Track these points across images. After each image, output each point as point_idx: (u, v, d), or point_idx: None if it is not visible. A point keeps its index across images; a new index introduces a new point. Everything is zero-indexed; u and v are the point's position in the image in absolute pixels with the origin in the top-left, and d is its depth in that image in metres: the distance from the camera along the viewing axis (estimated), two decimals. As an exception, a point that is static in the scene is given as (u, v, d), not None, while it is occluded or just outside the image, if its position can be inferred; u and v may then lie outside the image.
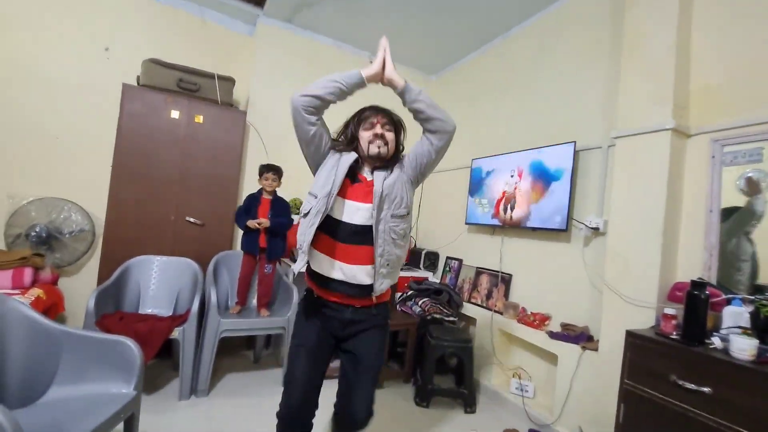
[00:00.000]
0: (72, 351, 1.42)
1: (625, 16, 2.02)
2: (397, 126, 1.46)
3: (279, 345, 2.85)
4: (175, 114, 2.67)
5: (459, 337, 2.52)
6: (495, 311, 2.69)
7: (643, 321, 1.72)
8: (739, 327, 1.40)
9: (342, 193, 1.33)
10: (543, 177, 2.49)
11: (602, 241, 2.14)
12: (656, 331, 1.57)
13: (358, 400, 1.36)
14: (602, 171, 2.22)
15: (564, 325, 2.26)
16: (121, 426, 1.36)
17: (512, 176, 2.73)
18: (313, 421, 1.40)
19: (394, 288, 2.07)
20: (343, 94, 1.33)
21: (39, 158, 2.60)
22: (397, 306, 3.02)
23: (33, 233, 2.44)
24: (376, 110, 1.44)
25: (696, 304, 1.43)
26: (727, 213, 1.68)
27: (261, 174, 2.52)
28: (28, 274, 2.17)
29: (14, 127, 2.53)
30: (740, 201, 1.64)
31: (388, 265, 1.34)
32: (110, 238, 2.52)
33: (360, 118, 1.45)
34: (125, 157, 2.55)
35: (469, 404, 2.40)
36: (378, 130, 1.39)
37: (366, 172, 1.41)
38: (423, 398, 2.42)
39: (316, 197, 1.33)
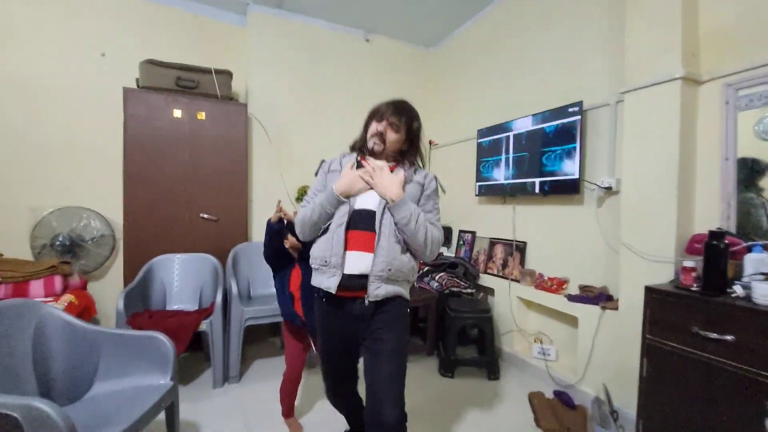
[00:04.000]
0: (109, 349, 1.49)
1: (626, -37, 1.93)
2: (409, 129, 1.40)
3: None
4: (177, 113, 2.69)
5: (478, 307, 2.55)
6: (512, 279, 2.70)
7: (662, 276, 1.71)
8: (762, 273, 1.39)
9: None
10: (551, 140, 2.45)
11: (615, 200, 2.11)
12: (676, 284, 1.57)
13: (383, 402, 1.22)
14: (611, 129, 2.17)
15: (582, 287, 2.27)
16: (162, 415, 1.44)
17: (519, 142, 2.69)
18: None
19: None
20: (330, 215, 1.31)
21: (52, 169, 2.66)
22: (414, 283, 3.06)
23: (57, 242, 2.53)
24: (393, 106, 1.38)
25: (715, 254, 1.42)
26: (743, 161, 1.64)
27: (285, 239, 1.86)
28: (58, 281, 2.26)
29: (24, 141, 2.59)
30: (758, 147, 1.60)
31: (389, 269, 1.25)
32: (130, 241, 2.60)
33: (375, 110, 1.42)
34: (135, 160, 2.59)
35: (492, 372, 2.45)
36: (380, 127, 1.36)
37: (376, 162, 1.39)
38: (447, 369, 2.48)
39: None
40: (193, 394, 2.18)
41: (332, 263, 1.26)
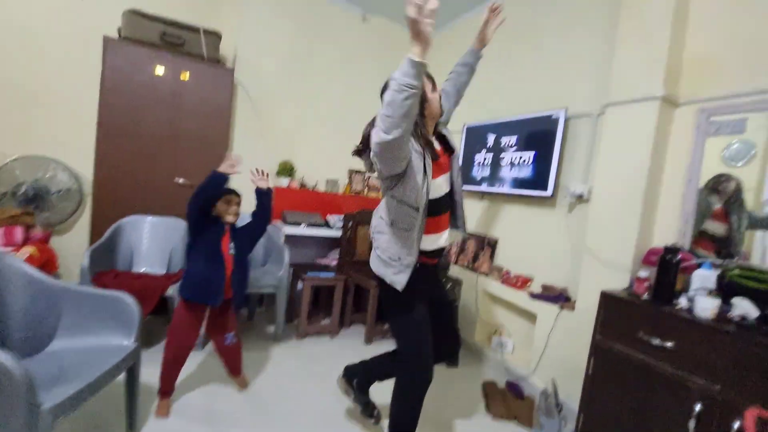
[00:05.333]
0: (72, 306, 1.46)
1: (624, -21, 1.98)
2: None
3: (272, 303, 2.95)
4: (160, 70, 2.58)
5: (445, 297, 2.63)
6: (480, 273, 2.79)
7: (618, 283, 1.82)
8: (706, 288, 1.51)
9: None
10: (533, 143, 2.51)
11: (585, 207, 2.21)
12: (629, 292, 1.68)
13: (457, 332, 1.74)
14: (590, 139, 2.25)
15: (544, 287, 2.38)
16: (123, 377, 1.44)
17: (504, 141, 2.74)
18: None
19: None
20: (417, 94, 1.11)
21: (19, 114, 2.51)
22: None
23: (20, 192, 2.41)
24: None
25: (667, 268, 1.52)
26: (707, 182, 1.74)
27: (220, 198, 1.80)
28: (18, 232, 2.17)
29: (-9, 81, 2.43)
30: (724, 171, 1.70)
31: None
32: (100, 198, 2.51)
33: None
34: (110, 115, 2.48)
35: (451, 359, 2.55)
36: (437, 89, 1.43)
37: (435, 142, 1.45)
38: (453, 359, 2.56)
39: (417, 210, 1.32)
40: (154, 357, 2.14)
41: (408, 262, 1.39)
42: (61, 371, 1.24)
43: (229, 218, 1.81)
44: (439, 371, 2.46)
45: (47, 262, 2.19)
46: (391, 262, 1.40)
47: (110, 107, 2.48)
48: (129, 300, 1.49)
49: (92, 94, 2.52)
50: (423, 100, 1.34)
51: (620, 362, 1.56)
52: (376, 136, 1.14)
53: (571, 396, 1.97)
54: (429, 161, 1.33)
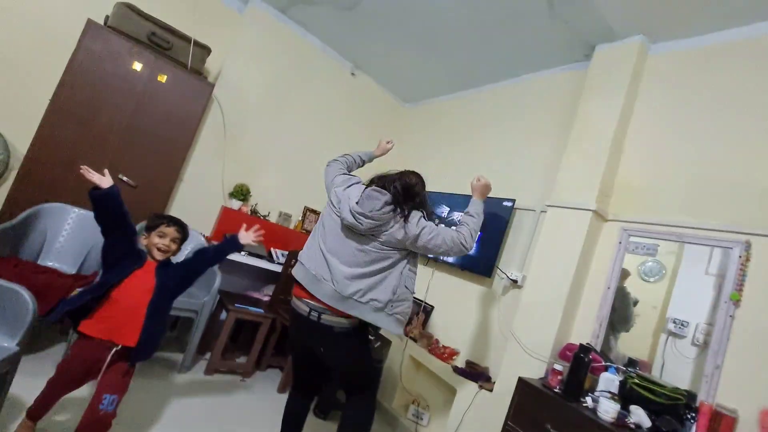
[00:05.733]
0: (-48, 289, 1.27)
1: (579, 105, 2.32)
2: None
3: (185, 329, 2.72)
4: (137, 66, 2.52)
5: (373, 356, 2.58)
6: (410, 337, 2.80)
7: (536, 372, 1.91)
8: (609, 392, 1.62)
9: None
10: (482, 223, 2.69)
11: (518, 293, 2.35)
12: (543, 382, 1.76)
13: None
14: (531, 231, 2.46)
15: (469, 363, 2.42)
16: (-12, 382, 1.23)
17: (455, 216, 2.91)
18: None
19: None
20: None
21: (-38, 68, 2.30)
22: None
23: (-70, 147, 2.13)
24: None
25: (579, 366, 1.64)
26: (619, 292, 1.95)
27: (155, 227, 1.61)
28: None
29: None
30: (640, 285, 1.93)
31: None
32: (26, 176, 2.27)
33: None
34: (68, 95, 2.34)
35: (365, 422, 2.45)
36: None
37: None
38: (322, 410, 2.43)
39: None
40: (35, 366, 1.87)
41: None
42: None
43: (157, 255, 1.57)
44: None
45: (-65, 233, 1.90)
46: (405, 319, 1.61)
47: (71, 87, 2.34)
48: (25, 295, 1.32)
49: (56, 71, 2.37)
50: None
51: (526, 452, 1.59)
52: (469, 243, 1.67)
53: (475, 481, 1.95)
54: None
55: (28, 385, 1.54)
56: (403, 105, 4.20)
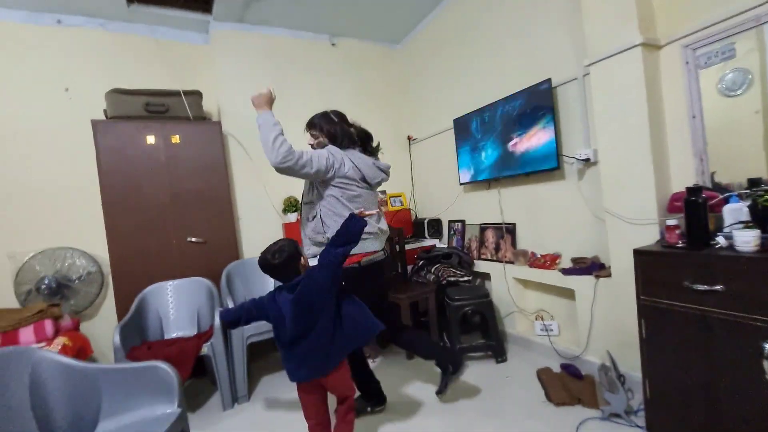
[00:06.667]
0: (111, 386, 1.46)
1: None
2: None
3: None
4: (151, 139, 2.65)
5: (476, 293, 2.57)
6: (505, 262, 2.73)
7: (649, 238, 1.75)
8: (741, 222, 1.43)
9: None
10: (525, 120, 2.49)
11: (595, 170, 2.15)
12: (662, 244, 1.61)
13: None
14: (581, 102, 2.21)
15: (575, 260, 2.31)
16: (175, 444, 1.42)
17: (495, 125, 2.72)
18: None
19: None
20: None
21: (28, 212, 2.59)
22: (411, 278, 3.07)
23: (43, 286, 2.46)
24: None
25: (695, 210, 1.46)
26: (711, 115, 1.69)
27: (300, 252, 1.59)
28: (48, 325, 2.20)
29: (-3, 188, 2.52)
30: (723, 104, 1.65)
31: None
32: (119, 274, 2.55)
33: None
34: (112, 193, 2.54)
35: (499, 354, 2.48)
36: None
37: None
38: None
39: None
40: (203, 420, 2.15)
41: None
42: (112, 453, 1.23)
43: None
44: (489, 368, 2.39)
45: (81, 349, 2.21)
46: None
47: (110, 185, 2.54)
48: (164, 367, 1.48)
49: (92, 176, 2.59)
50: None
51: (672, 317, 1.47)
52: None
53: (631, 365, 1.88)
54: None
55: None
56: (393, 48, 3.97)
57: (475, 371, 2.38)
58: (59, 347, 2.05)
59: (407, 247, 3.21)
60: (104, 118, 2.65)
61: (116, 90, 2.60)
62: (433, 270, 2.92)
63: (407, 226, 3.65)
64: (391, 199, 3.77)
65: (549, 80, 2.31)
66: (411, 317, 2.67)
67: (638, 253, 1.59)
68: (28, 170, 2.61)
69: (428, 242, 3.42)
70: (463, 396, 2.11)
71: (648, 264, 1.56)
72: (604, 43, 1.88)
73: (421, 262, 3.09)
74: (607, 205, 1.96)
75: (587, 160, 2.18)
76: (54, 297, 2.48)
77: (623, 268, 1.88)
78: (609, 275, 2.02)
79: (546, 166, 2.39)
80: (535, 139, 2.43)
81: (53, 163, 2.68)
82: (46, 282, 2.48)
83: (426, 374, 2.39)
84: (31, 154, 2.63)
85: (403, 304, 2.62)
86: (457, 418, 1.92)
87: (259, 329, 2.36)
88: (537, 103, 2.39)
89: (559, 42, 2.32)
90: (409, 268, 3.16)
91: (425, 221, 3.49)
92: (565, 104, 2.33)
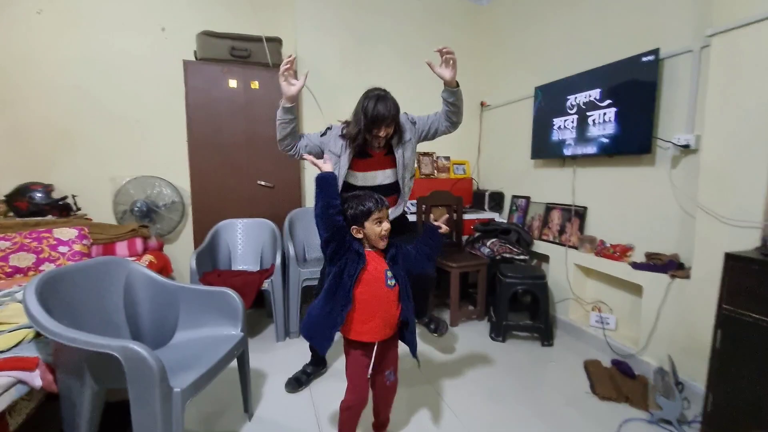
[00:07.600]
0: (187, 303, 1.66)
1: None
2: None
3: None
4: (233, 83, 2.78)
5: (532, 273, 2.49)
6: (569, 246, 2.59)
7: (746, 242, 1.55)
8: None
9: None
10: (620, 95, 2.23)
11: (693, 159, 1.91)
12: (763, 251, 1.42)
13: None
14: (693, 78, 1.93)
15: (649, 255, 2.12)
16: (235, 363, 1.59)
17: (584, 97, 2.48)
18: None
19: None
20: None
21: (128, 142, 2.89)
22: (465, 248, 3.04)
23: (136, 208, 2.79)
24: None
25: (816, 218, 1.25)
26: None
27: (368, 215, 1.31)
28: (139, 243, 2.51)
29: (101, 117, 2.81)
30: None
31: None
32: (197, 207, 2.80)
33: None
34: (197, 131, 2.74)
35: (546, 338, 2.42)
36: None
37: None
38: (498, 333, 2.48)
39: None
40: (259, 346, 2.39)
41: None
42: (184, 359, 1.41)
43: (381, 244, 1.34)
44: (533, 349, 2.35)
45: (164, 267, 2.51)
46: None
47: (196, 124, 2.73)
48: (233, 294, 1.64)
49: (180, 114, 2.80)
50: None
51: (756, 332, 1.33)
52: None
53: (693, 375, 1.75)
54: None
55: (259, 360, 2.00)
56: (480, 3, 3.68)
57: (519, 351, 2.36)
58: (147, 263, 2.34)
59: (465, 217, 3.15)
60: (194, 59, 2.81)
61: (206, 32, 2.72)
62: (488, 244, 2.85)
63: (467, 196, 3.56)
64: (455, 166, 3.67)
65: (656, 51, 2.02)
66: (459, 288, 2.67)
67: (730, 258, 1.42)
68: (130, 103, 2.88)
69: (486, 215, 3.32)
70: (504, 372, 2.11)
71: (739, 271, 1.39)
72: (736, 9, 1.59)
73: (477, 234, 3.03)
74: (702, 200, 1.75)
75: (686, 146, 1.93)
76: (144, 219, 2.80)
77: (707, 272, 1.70)
78: (687, 277, 1.84)
79: (634, 149, 2.16)
80: (625, 118, 2.19)
81: (149, 99, 2.92)
82: (138, 205, 2.80)
83: (462, 348, 2.41)
84: (132, 88, 2.88)
85: (454, 273, 2.62)
86: (493, 392, 1.93)
87: (315, 274, 2.51)
88: (636, 77, 2.12)
89: (675, 4, 2.01)
90: (464, 237, 3.11)
91: (486, 193, 3.37)
92: (671, 80, 2.05)
